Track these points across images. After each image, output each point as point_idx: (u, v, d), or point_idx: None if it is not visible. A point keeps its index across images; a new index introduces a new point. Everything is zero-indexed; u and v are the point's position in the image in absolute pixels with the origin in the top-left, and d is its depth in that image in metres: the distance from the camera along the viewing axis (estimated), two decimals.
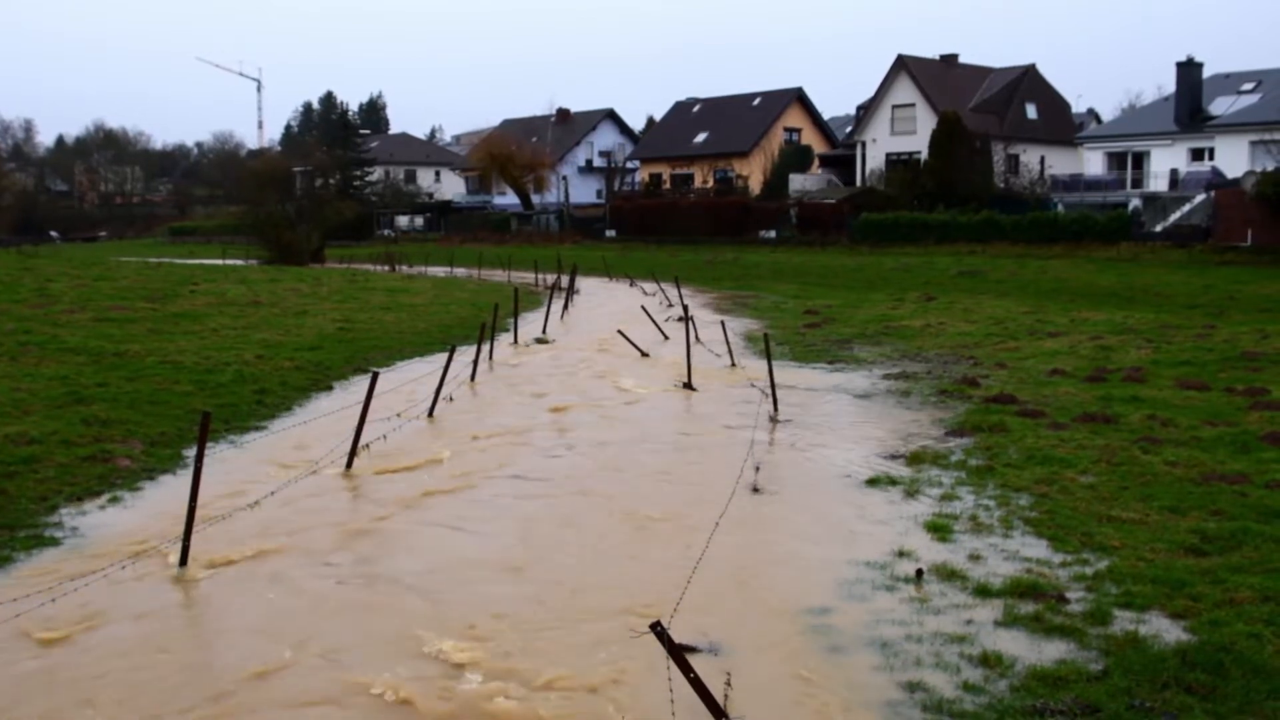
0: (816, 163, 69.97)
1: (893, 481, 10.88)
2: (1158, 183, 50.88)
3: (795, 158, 68.59)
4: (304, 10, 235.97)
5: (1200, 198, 45.00)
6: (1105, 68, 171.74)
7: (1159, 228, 44.40)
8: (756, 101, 76.36)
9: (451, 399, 15.54)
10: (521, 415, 14.84)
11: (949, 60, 67.23)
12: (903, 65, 63.61)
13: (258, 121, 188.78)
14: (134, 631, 7.31)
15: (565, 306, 29.82)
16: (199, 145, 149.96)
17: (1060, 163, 60.76)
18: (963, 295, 30.61)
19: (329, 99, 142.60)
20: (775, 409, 14.68)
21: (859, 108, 71.75)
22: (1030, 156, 58.95)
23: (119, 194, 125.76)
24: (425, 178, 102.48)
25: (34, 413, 12.95)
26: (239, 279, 36.31)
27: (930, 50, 71.74)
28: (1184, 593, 7.53)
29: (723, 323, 22.38)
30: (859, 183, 62.77)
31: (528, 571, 8.46)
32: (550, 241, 67.80)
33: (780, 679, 6.56)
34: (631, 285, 39.43)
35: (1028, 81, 64.92)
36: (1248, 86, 53.82)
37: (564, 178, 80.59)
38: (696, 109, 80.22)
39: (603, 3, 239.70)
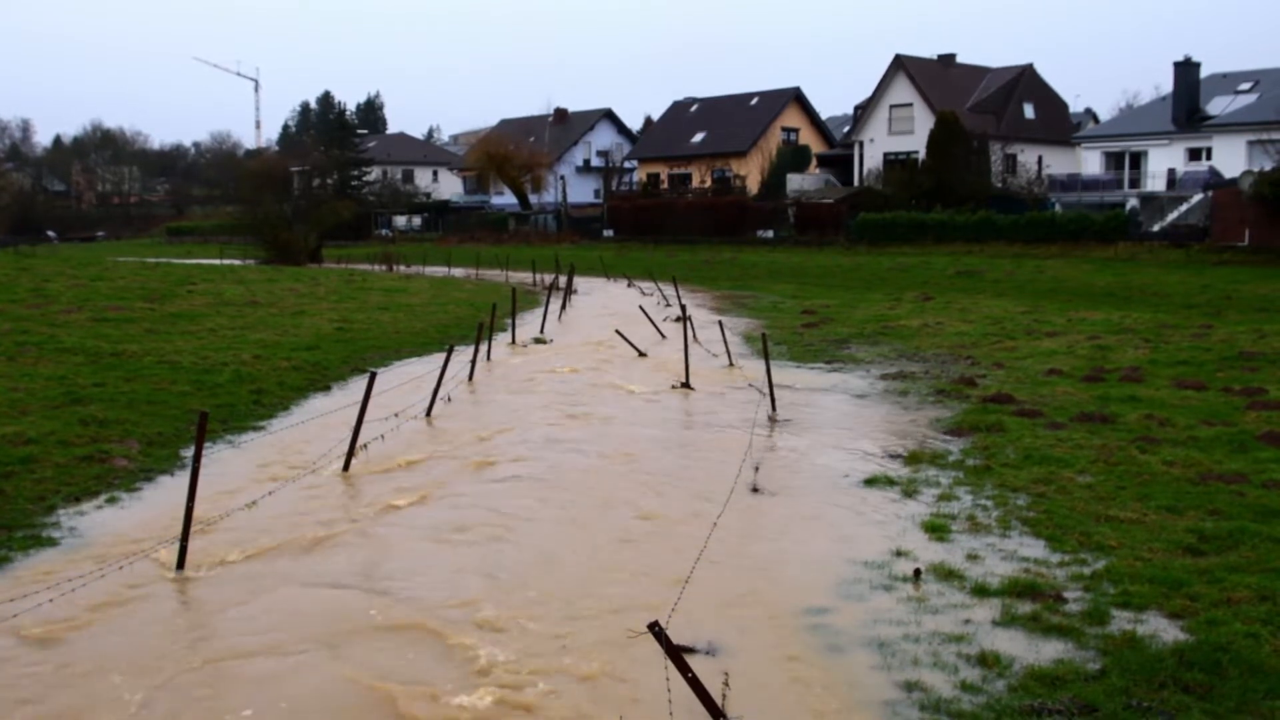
0: (814, 162, 69.96)
1: (890, 481, 10.88)
2: (1155, 182, 50.91)
3: (793, 157, 68.58)
4: (301, 10, 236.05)
5: (1198, 197, 45.03)
6: (1103, 67, 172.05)
7: (1156, 227, 44.43)
8: (754, 101, 76.36)
9: (449, 399, 15.54)
10: (519, 415, 14.83)
11: (946, 60, 67.28)
12: (900, 65, 63.64)
13: (255, 121, 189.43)
14: (131, 633, 7.30)
15: (563, 306, 29.81)
16: (196, 145, 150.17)
17: (1058, 162, 60.80)
18: (960, 295, 30.63)
19: (326, 99, 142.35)
20: (773, 409, 14.68)
21: (857, 108, 71.77)
22: (1028, 156, 58.98)
23: (116, 194, 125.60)
24: (423, 178, 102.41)
25: (31, 413, 12.94)
26: (236, 279, 36.29)
27: (928, 50, 71.76)
28: (1181, 592, 7.53)
29: (720, 322, 22.40)
30: (856, 182, 62.78)
31: (525, 572, 8.45)
32: (548, 241, 67.77)
33: (778, 679, 6.56)
34: (629, 285, 39.43)
35: (1025, 81, 64.97)
36: (1245, 86, 53.87)
37: (561, 178, 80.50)
38: (694, 109, 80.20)
39: (601, 3, 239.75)
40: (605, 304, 32.83)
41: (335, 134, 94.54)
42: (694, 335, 20.71)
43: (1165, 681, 6.18)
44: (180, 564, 8.39)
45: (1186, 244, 40.72)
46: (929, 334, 22.56)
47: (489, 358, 20.13)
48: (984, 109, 62.29)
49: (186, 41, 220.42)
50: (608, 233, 67.65)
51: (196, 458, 8.54)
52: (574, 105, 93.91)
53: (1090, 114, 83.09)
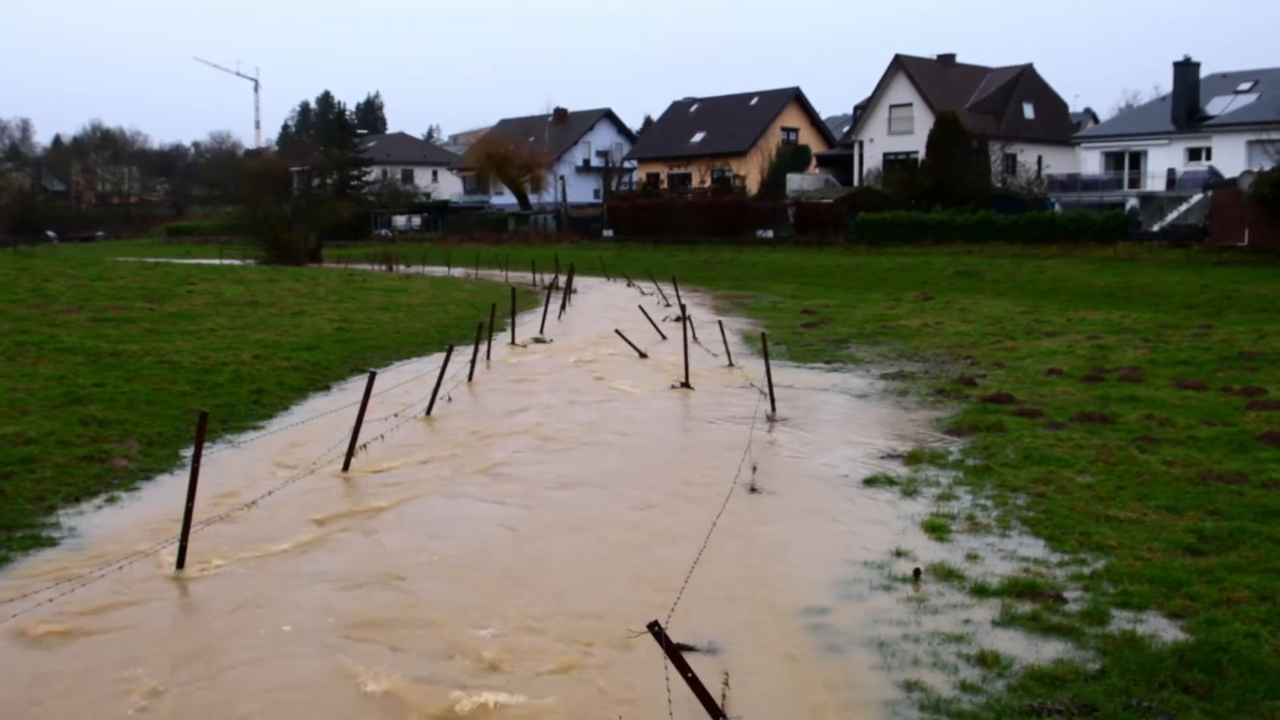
0: (814, 162, 69.98)
1: (890, 481, 10.88)
2: (1155, 182, 50.92)
3: (793, 157, 68.59)
4: (301, 10, 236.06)
5: (1197, 197, 45.04)
6: (1102, 67, 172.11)
7: (1156, 227, 44.44)
8: (754, 101, 76.37)
9: (449, 399, 15.54)
10: (519, 415, 14.83)
11: (946, 60, 67.30)
12: (900, 65, 63.66)
13: (255, 121, 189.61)
14: (130, 632, 7.30)
15: (563, 306, 29.81)
16: (196, 145, 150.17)
17: (1057, 162, 60.81)
18: (960, 295, 30.63)
19: (326, 99, 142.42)
20: (773, 409, 14.68)
21: (856, 108, 71.80)
22: (1027, 156, 59.00)
23: (116, 194, 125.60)
24: (422, 178, 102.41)
25: (31, 413, 12.94)
26: (236, 279, 36.30)
27: (928, 50, 71.77)
28: (1181, 592, 7.53)
29: (720, 322, 22.40)
30: (856, 182, 62.79)
31: (525, 571, 8.45)
32: (548, 241, 67.77)
33: (778, 678, 6.56)
34: (629, 285, 39.43)
35: (1025, 81, 65.00)
36: (1245, 86, 53.88)
37: (561, 178, 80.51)
38: (694, 109, 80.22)
39: (601, 3, 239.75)
40: (605, 304, 32.83)
41: (335, 134, 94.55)
42: (694, 335, 20.71)
43: (1165, 681, 6.17)
44: (180, 563, 8.39)
45: (1186, 244, 40.73)
46: (929, 334, 22.56)
47: (489, 357, 20.13)
48: (984, 109, 62.30)
49: (186, 41, 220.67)
50: (607, 233, 67.66)
51: (196, 458, 8.54)
52: (574, 105, 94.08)
53: (1090, 114, 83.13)
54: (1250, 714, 5.84)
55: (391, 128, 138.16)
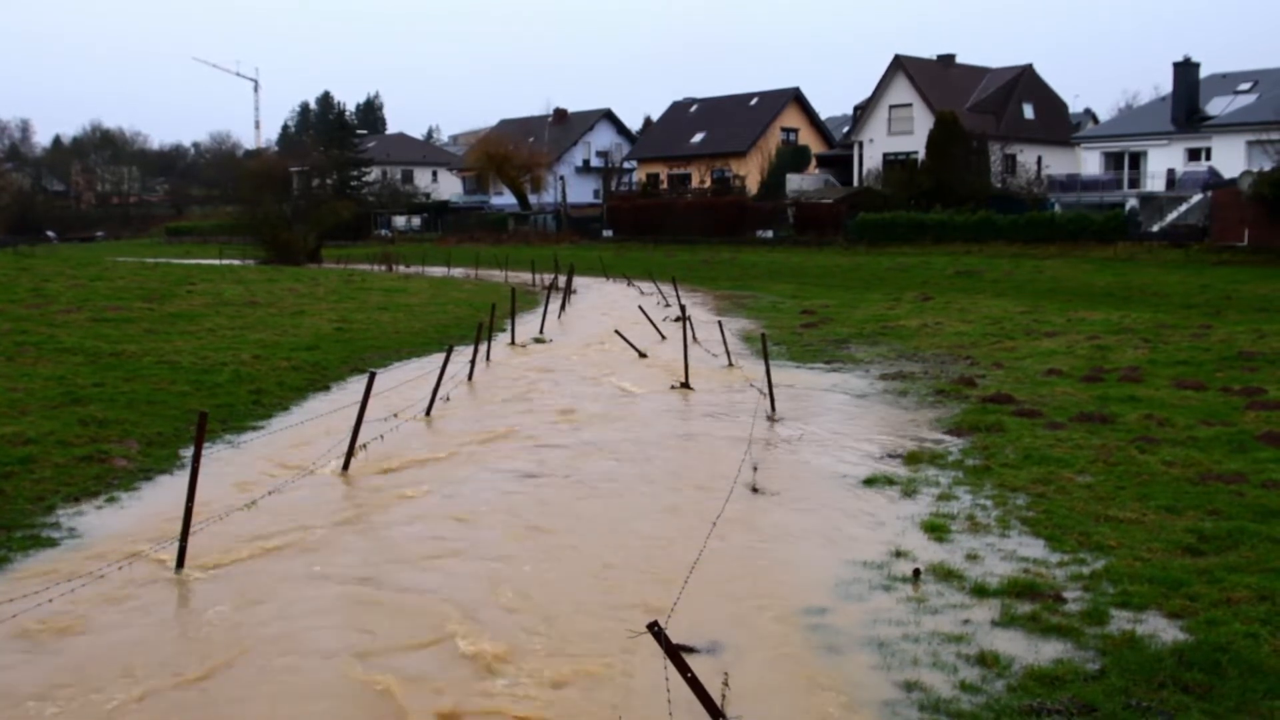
0: (814, 163, 69.96)
1: (890, 481, 10.89)
2: (1154, 183, 50.91)
3: (792, 158, 68.58)
4: (301, 10, 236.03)
5: (1197, 198, 45.02)
6: (1102, 68, 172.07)
7: (1156, 227, 44.42)
8: (754, 101, 76.37)
9: (449, 399, 15.54)
10: (519, 415, 14.84)
11: (946, 60, 67.30)
12: (900, 65, 63.66)
13: (255, 121, 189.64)
14: (130, 633, 7.29)
15: (562, 306, 29.82)
16: (196, 145, 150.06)
17: (1057, 163, 60.80)
18: (959, 295, 30.62)
19: (326, 99, 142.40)
20: (773, 409, 14.69)
21: (856, 108, 71.78)
22: (1027, 156, 58.98)
23: (116, 194, 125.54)
24: (422, 178, 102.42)
25: (31, 413, 12.94)
26: (236, 279, 36.31)
27: (927, 50, 71.85)
28: (1181, 592, 7.53)
29: (720, 323, 22.40)
30: (856, 183, 62.78)
31: (524, 571, 8.45)
32: (547, 241, 67.76)
33: (778, 679, 6.57)
34: (629, 285, 39.42)
35: (1025, 81, 64.99)
36: (1244, 86, 53.88)
37: (561, 178, 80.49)
38: (694, 109, 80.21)
39: (601, 3, 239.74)
40: (605, 304, 32.83)
41: (335, 134, 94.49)
42: (693, 335, 20.71)
43: (1164, 681, 6.18)
44: (180, 564, 8.39)
45: (1186, 244, 40.71)
46: (928, 334, 22.55)
47: (488, 358, 20.14)
48: (983, 109, 62.29)
49: (186, 41, 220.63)
50: (607, 233, 67.63)
51: (196, 458, 8.54)
52: (574, 105, 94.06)
53: (1090, 114, 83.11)
54: (1250, 714, 5.84)
55: (391, 128, 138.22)
